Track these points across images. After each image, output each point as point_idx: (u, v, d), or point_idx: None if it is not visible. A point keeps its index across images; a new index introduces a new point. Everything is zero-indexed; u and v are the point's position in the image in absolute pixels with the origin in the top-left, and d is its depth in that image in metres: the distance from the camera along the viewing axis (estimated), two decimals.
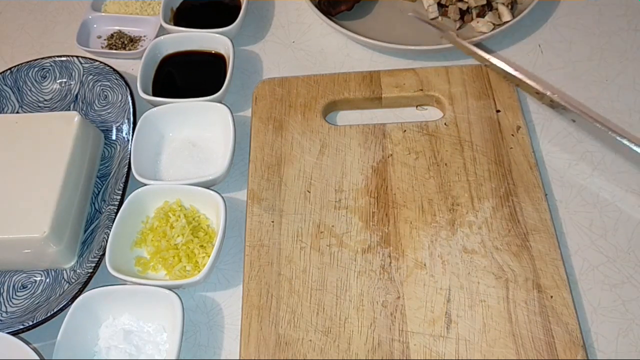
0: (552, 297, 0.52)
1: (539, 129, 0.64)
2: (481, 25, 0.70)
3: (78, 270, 0.58)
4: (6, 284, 0.59)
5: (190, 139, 0.66)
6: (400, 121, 0.65)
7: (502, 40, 0.72)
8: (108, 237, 0.57)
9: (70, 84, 0.72)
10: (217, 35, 0.71)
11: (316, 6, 0.73)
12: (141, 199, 0.60)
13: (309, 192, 0.60)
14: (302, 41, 0.76)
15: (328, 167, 0.61)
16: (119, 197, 0.60)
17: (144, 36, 0.78)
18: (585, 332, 0.52)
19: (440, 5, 0.73)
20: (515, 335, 0.50)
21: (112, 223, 0.57)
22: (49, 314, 0.54)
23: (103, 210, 0.62)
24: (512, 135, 0.61)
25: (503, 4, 0.71)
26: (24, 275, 0.60)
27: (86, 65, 0.71)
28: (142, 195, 0.60)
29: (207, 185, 0.60)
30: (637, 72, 0.68)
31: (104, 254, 0.56)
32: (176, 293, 0.53)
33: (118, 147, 0.66)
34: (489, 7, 0.72)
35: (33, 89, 0.72)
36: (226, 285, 0.58)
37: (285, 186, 0.61)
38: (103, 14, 0.79)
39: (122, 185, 0.61)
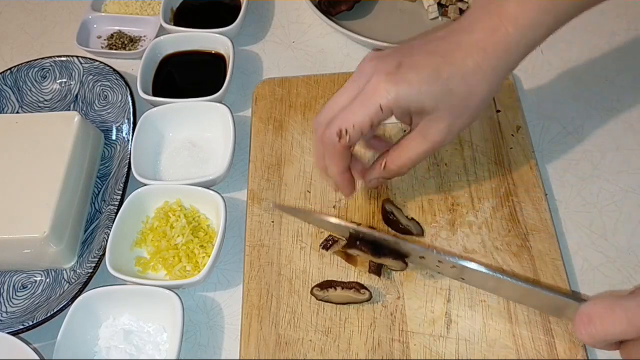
0: None
1: (539, 129, 0.64)
2: None
3: (78, 270, 0.58)
4: (6, 284, 0.59)
5: (190, 139, 0.66)
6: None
7: None
8: (108, 237, 0.57)
9: (70, 84, 0.71)
10: (217, 35, 0.71)
11: (316, 6, 0.73)
12: (141, 199, 0.60)
13: (309, 192, 0.60)
14: (302, 41, 0.76)
15: None
16: (119, 197, 0.60)
17: (144, 36, 0.77)
18: None
19: (440, 5, 0.73)
20: (515, 335, 0.50)
21: (112, 223, 0.57)
22: (49, 314, 0.54)
23: (103, 210, 0.62)
24: (512, 135, 0.61)
25: None
26: (24, 275, 0.60)
27: (86, 65, 0.71)
28: (142, 195, 0.60)
29: (207, 185, 0.60)
30: (637, 72, 0.68)
31: (104, 254, 0.56)
32: (176, 293, 0.53)
33: (118, 147, 0.66)
34: None
35: (33, 89, 0.72)
36: (226, 285, 0.58)
37: (285, 186, 0.61)
38: (103, 14, 0.79)
39: (122, 185, 0.61)
